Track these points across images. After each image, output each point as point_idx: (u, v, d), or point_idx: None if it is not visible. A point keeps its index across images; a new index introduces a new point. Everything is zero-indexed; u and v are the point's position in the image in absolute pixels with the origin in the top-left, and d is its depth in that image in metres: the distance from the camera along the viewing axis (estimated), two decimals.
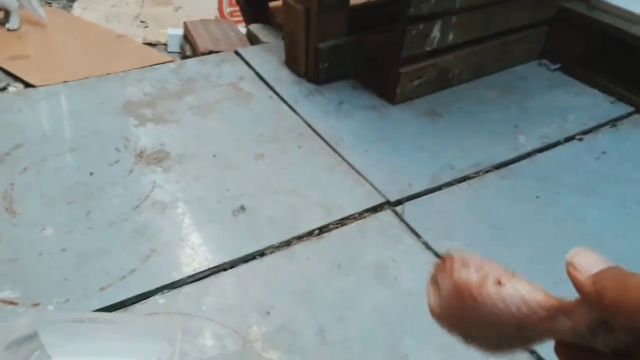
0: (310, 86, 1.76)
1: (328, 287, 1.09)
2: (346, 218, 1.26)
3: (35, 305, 1.00)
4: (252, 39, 2.10)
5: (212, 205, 1.27)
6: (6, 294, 1.01)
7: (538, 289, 0.34)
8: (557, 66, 1.94)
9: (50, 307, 1.00)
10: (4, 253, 1.10)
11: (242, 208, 1.26)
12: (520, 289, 0.34)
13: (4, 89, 1.78)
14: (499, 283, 0.35)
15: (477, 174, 1.43)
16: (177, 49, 2.26)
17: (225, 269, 1.11)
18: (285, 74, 1.82)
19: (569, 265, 0.31)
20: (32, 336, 0.88)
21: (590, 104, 1.76)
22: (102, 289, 1.04)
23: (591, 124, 1.65)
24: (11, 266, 1.07)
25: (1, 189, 1.26)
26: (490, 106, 1.73)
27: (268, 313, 1.03)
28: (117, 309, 1.01)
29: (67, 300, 1.01)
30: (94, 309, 1.00)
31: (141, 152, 1.41)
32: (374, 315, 1.04)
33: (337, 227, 1.24)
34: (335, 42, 1.70)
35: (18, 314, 0.98)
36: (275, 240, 1.19)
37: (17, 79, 1.87)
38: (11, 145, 1.39)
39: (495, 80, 1.88)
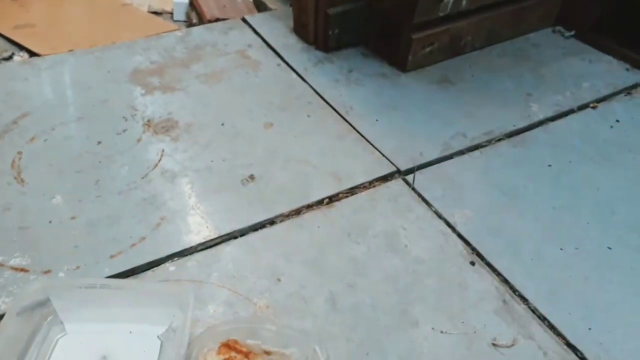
0: (319, 54, 1.73)
1: (338, 255, 1.08)
2: (356, 187, 1.25)
3: (46, 272, 1.00)
4: (259, 6, 2.06)
5: (221, 174, 1.26)
6: (17, 261, 1.02)
7: None
8: (572, 33, 1.89)
9: (61, 274, 1.00)
10: (14, 221, 1.10)
11: (252, 177, 1.25)
12: None
13: (9, 58, 1.76)
14: None
15: (489, 142, 1.40)
16: (183, 17, 2.22)
17: (235, 237, 1.11)
18: (294, 41, 1.78)
19: None
20: (45, 302, 0.88)
21: (605, 71, 1.72)
22: (112, 256, 1.04)
23: (605, 91, 1.62)
24: (22, 234, 1.07)
25: (9, 158, 1.25)
26: (503, 74, 1.69)
27: (279, 280, 1.03)
28: (127, 276, 1.01)
29: (77, 267, 1.01)
30: (105, 276, 1.00)
31: (149, 120, 1.40)
32: (385, 283, 1.03)
33: (347, 196, 1.23)
34: (345, 7, 1.66)
35: (29, 280, 0.98)
36: (285, 209, 1.18)
37: (22, 48, 1.85)
38: (18, 114, 1.38)
39: (508, 47, 1.83)
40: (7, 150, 1.27)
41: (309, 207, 1.20)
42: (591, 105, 1.57)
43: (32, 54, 1.81)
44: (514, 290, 1.03)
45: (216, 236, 1.10)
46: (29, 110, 1.40)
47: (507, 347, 0.93)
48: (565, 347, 0.94)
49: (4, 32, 1.88)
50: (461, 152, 1.36)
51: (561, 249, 1.13)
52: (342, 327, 0.95)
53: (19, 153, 1.26)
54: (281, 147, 1.35)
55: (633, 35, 1.76)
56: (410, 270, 1.06)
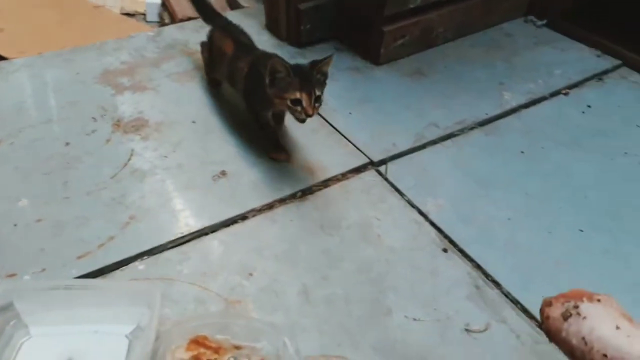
0: (292, 49, 1.72)
1: (311, 248, 1.08)
2: (329, 179, 1.24)
3: (11, 275, 0.98)
4: (232, 4, 2.04)
5: (192, 171, 1.24)
6: None
7: None
8: (544, 22, 1.91)
9: (27, 277, 0.98)
10: None
11: (223, 173, 1.24)
12: None
13: None
14: None
15: (461, 131, 1.40)
16: (157, 18, 2.20)
17: (206, 234, 1.10)
18: (266, 37, 1.77)
19: None
20: (8, 306, 0.86)
21: (576, 58, 1.73)
22: (79, 257, 1.02)
23: (577, 78, 1.63)
24: None
25: None
26: (476, 64, 1.70)
27: (251, 275, 1.01)
28: (95, 277, 0.99)
29: (43, 270, 0.99)
30: (72, 277, 0.98)
31: (119, 120, 1.38)
32: (358, 273, 1.03)
33: (320, 189, 1.22)
34: (316, 2, 1.66)
35: None
36: (257, 204, 1.17)
37: None
38: None
39: (480, 38, 1.84)
40: None
41: (282, 201, 1.19)
42: (563, 92, 1.58)
43: (0, 58, 1.77)
44: (486, 275, 1.03)
45: (186, 233, 1.08)
46: None
47: (480, 331, 0.93)
48: (538, 329, 0.93)
49: None
50: (434, 142, 1.36)
51: (534, 234, 1.13)
52: (314, 320, 0.94)
53: None
54: (253, 142, 1.34)
55: (603, 23, 1.78)
56: (383, 260, 1.05)
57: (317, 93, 1.10)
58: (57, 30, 2.00)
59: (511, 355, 0.90)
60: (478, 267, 1.05)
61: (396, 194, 1.20)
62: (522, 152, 1.35)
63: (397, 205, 1.18)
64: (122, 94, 1.48)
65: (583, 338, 0.51)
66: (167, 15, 2.07)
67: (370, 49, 1.65)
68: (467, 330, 0.93)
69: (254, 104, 1.26)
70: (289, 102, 1.10)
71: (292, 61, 1.59)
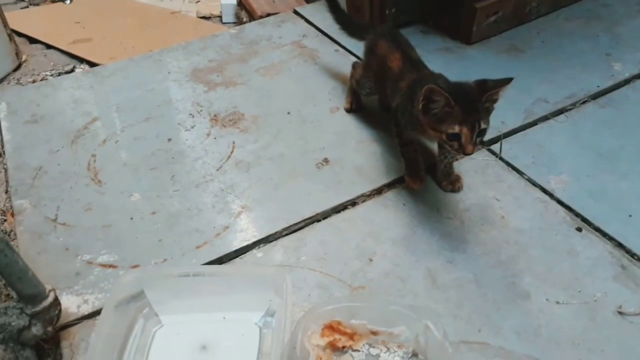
0: None
1: (430, 232, 1.02)
2: (436, 162, 1.18)
3: (134, 267, 0.98)
4: None
5: (295, 160, 1.22)
6: (105, 258, 1.00)
7: None
8: None
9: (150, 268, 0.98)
10: (97, 220, 1.09)
11: (326, 160, 1.21)
12: None
13: (70, 71, 1.79)
14: None
15: (573, 105, 1.31)
16: (233, 19, 2.21)
17: (318, 220, 1.07)
18: None
19: None
20: (138, 295, 0.86)
21: None
22: (198, 247, 1.01)
23: None
24: (106, 232, 1.06)
25: (84, 161, 1.25)
26: (576, 37, 1.59)
27: (371, 260, 0.97)
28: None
29: (164, 260, 0.99)
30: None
31: (215, 115, 1.38)
32: (486, 256, 0.96)
33: (428, 172, 1.16)
34: None
35: (119, 276, 0.96)
36: (366, 189, 1.13)
37: (81, 61, 1.88)
38: (87, 120, 1.39)
39: (576, 10, 1.72)
40: (81, 154, 1.27)
41: (390, 185, 1.14)
42: None
43: (92, 65, 1.83)
44: (631, 254, 0.94)
45: (299, 220, 1.06)
46: (97, 116, 1.41)
47: (636, 314, 0.84)
48: None
49: (63, 47, 1.91)
50: (546, 118, 1.27)
51: None
52: (446, 304, 0.89)
53: (93, 156, 1.27)
54: (351, 129, 1.30)
55: None
56: (512, 242, 0.98)
57: (483, 126, 0.87)
58: (140, 36, 2.05)
59: None
60: (620, 245, 0.95)
61: (514, 172, 1.13)
62: None
63: (516, 184, 1.10)
64: (214, 90, 1.48)
65: None
66: (245, 14, 2.08)
67: (461, 27, 1.58)
68: (620, 312, 0.85)
69: (401, 123, 1.06)
70: (444, 136, 0.89)
71: None
